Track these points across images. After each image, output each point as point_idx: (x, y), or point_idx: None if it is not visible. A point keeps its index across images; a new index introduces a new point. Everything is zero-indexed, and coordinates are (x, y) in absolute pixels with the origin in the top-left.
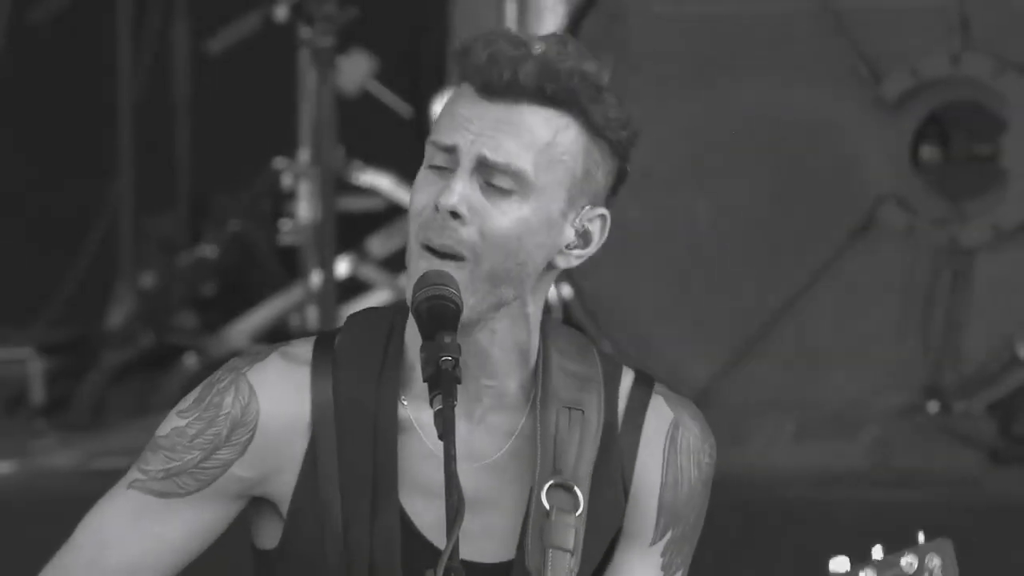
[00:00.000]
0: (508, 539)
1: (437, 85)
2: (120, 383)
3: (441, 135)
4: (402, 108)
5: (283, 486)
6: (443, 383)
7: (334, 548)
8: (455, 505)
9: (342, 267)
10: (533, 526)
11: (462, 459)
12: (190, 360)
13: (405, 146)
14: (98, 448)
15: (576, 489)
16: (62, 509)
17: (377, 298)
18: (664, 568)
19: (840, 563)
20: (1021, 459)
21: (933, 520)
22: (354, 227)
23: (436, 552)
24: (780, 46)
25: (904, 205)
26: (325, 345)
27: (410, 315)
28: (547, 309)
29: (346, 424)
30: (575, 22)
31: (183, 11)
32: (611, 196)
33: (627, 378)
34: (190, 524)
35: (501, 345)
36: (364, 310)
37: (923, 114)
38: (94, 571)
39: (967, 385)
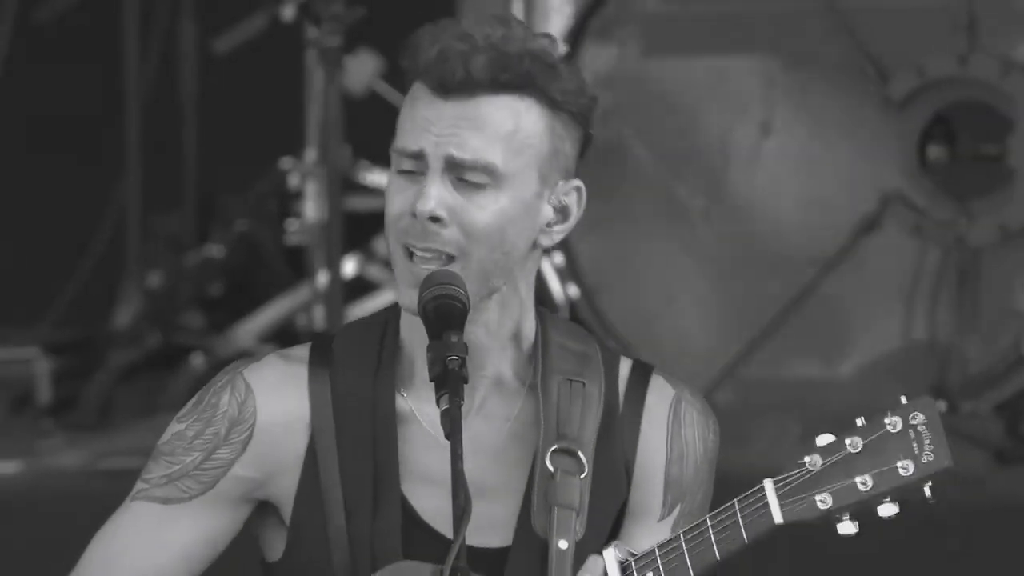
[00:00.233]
0: (508, 525)
1: None
2: (127, 383)
3: (405, 141)
4: None
5: (286, 487)
6: (450, 382)
7: (339, 544)
8: (462, 505)
9: (349, 267)
10: (538, 488)
11: (466, 449)
12: (197, 360)
13: None
14: (105, 448)
15: (580, 453)
16: (69, 509)
17: (384, 298)
18: None
19: (824, 437)
20: None
21: (938, 520)
22: (361, 227)
23: (440, 540)
24: (786, 46)
25: (911, 205)
26: (322, 346)
27: (403, 312)
28: (550, 306)
29: (345, 419)
30: (582, 21)
31: (190, 11)
32: (578, 161)
33: (625, 365)
34: (196, 530)
35: (495, 334)
36: (358, 319)
37: (930, 114)
38: None
39: (974, 385)
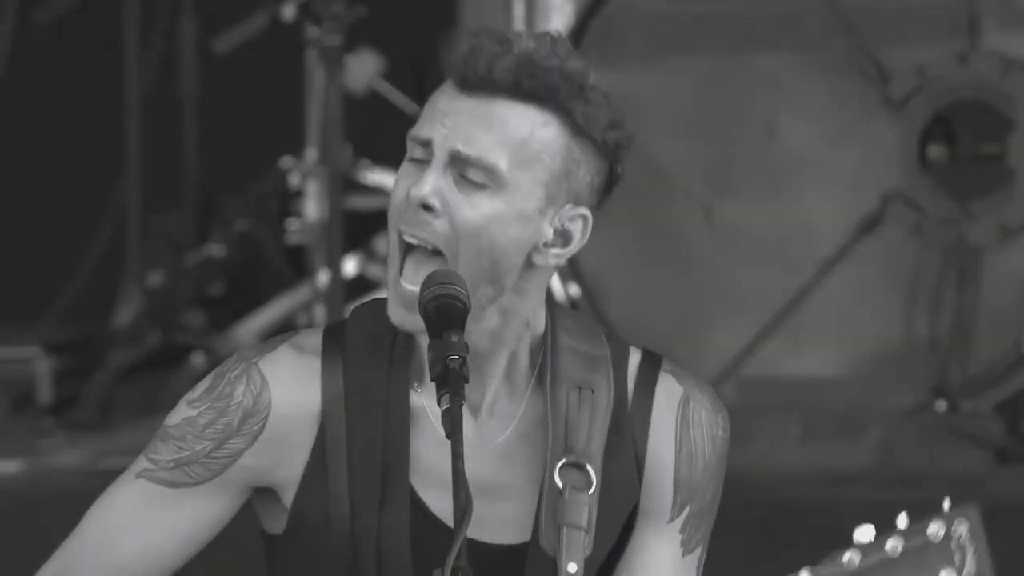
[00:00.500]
0: (523, 521)
1: None
2: (127, 382)
3: (419, 129)
4: (409, 107)
5: (289, 475)
6: (450, 382)
7: (340, 536)
8: (463, 504)
9: (350, 266)
10: (547, 505)
11: (472, 448)
12: (197, 359)
13: None
14: (105, 447)
15: (588, 467)
16: (69, 508)
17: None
18: (684, 544)
19: (865, 532)
20: None
21: None
22: (362, 226)
23: (449, 533)
24: (787, 45)
25: (911, 204)
26: (335, 336)
27: None
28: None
29: (357, 412)
30: (583, 21)
31: (190, 10)
32: (603, 198)
33: (635, 357)
34: (199, 514)
35: (499, 339)
36: (369, 301)
37: (930, 114)
38: (102, 560)
39: (974, 384)
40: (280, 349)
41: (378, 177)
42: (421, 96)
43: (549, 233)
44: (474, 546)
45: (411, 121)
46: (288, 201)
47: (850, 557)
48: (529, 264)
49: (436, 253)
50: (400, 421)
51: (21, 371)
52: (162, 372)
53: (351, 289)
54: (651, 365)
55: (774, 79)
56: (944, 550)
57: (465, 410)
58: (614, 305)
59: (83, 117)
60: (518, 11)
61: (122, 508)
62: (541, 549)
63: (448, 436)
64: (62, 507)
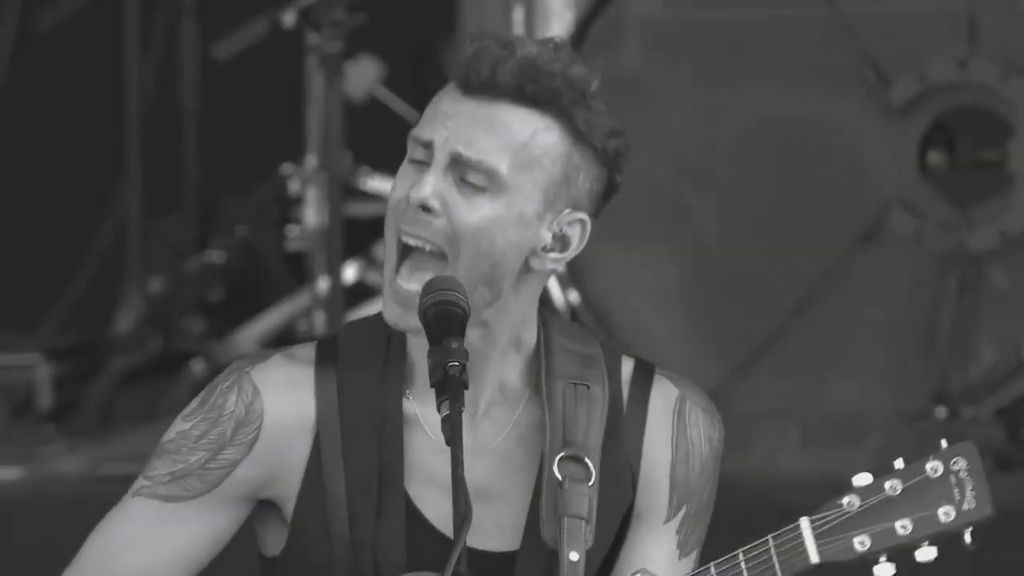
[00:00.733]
0: (515, 529)
1: None
2: (128, 388)
3: (420, 130)
4: (409, 114)
5: (288, 487)
6: (450, 388)
7: (340, 545)
8: (463, 511)
9: (349, 273)
10: (547, 497)
11: (468, 454)
12: (198, 365)
13: None
14: (105, 453)
15: (587, 460)
16: (69, 514)
17: None
18: (680, 546)
19: (863, 477)
20: None
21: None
22: (361, 232)
23: (446, 542)
24: (787, 51)
25: (911, 210)
26: (328, 347)
27: None
28: (550, 307)
29: (351, 421)
30: (583, 27)
31: (191, 16)
32: (601, 205)
33: (627, 365)
34: (197, 529)
35: (494, 342)
36: (362, 318)
37: (930, 119)
38: None
39: (975, 390)
40: (272, 359)
41: (378, 184)
42: (421, 103)
43: (548, 237)
44: (470, 554)
45: (411, 128)
46: (288, 207)
47: (850, 499)
48: (526, 268)
49: (436, 254)
50: (395, 429)
51: (21, 377)
52: (162, 378)
53: (351, 296)
54: (645, 371)
55: (774, 84)
56: (944, 485)
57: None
58: (614, 311)
59: (83, 123)
60: (518, 17)
61: (121, 529)
62: (531, 558)
63: (448, 443)
64: (62, 514)
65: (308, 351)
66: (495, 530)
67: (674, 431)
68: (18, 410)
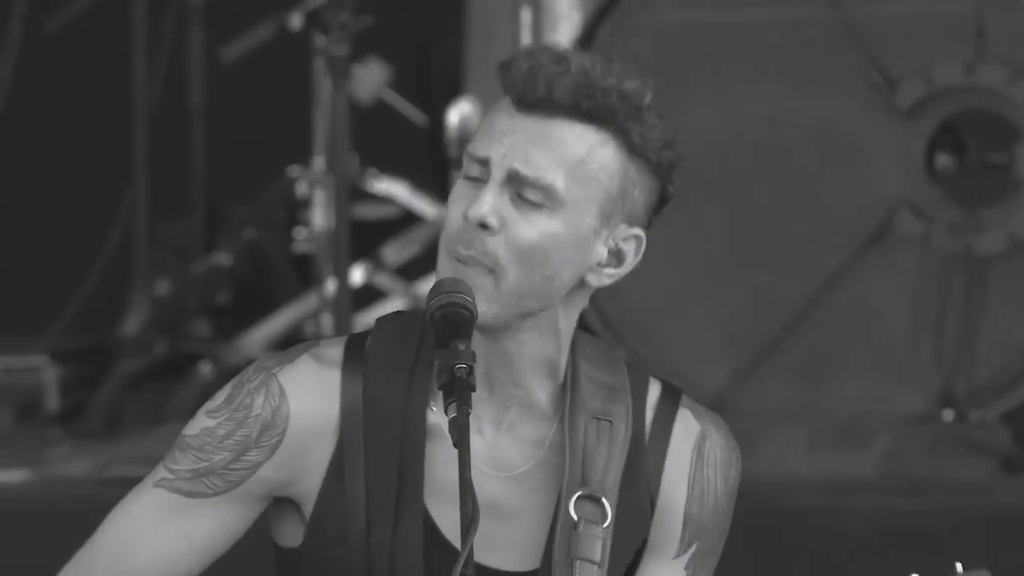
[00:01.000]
0: (533, 549)
1: (451, 94)
2: (135, 391)
3: (476, 147)
4: (417, 116)
5: (308, 487)
6: (457, 391)
7: (357, 551)
8: (469, 513)
9: (357, 275)
10: (560, 537)
11: (489, 467)
12: (205, 368)
13: (419, 154)
14: (113, 456)
15: (604, 500)
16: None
17: (392, 306)
18: None
19: None
20: None
21: (945, 529)
22: (369, 235)
23: (457, 556)
24: (794, 54)
25: (918, 213)
26: (356, 347)
27: None
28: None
29: (374, 428)
30: (590, 30)
31: (198, 19)
32: (653, 217)
33: (654, 390)
34: (216, 524)
35: (529, 356)
36: (395, 313)
37: (937, 122)
38: (118, 568)
39: (981, 394)
40: (300, 360)
41: (385, 186)
42: (428, 105)
43: (603, 253)
44: (480, 571)
45: (418, 130)
46: (295, 210)
47: None
48: (581, 284)
49: (485, 267)
50: (416, 439)
51: (28, 380)
52: (170, 381)
53: (358, 298)
54: (671, 400)
55: (780, 87)
56: None
57: (479, 426)
58: (620, 310)
59: (91, 126)
60: (525, 20)
61: (139, 516)
62: None
63: (455, 445)
64: (69, 516)
65: (336, 351)
66: (506, 549)
67: (692, 467)
68: (25, 412)
